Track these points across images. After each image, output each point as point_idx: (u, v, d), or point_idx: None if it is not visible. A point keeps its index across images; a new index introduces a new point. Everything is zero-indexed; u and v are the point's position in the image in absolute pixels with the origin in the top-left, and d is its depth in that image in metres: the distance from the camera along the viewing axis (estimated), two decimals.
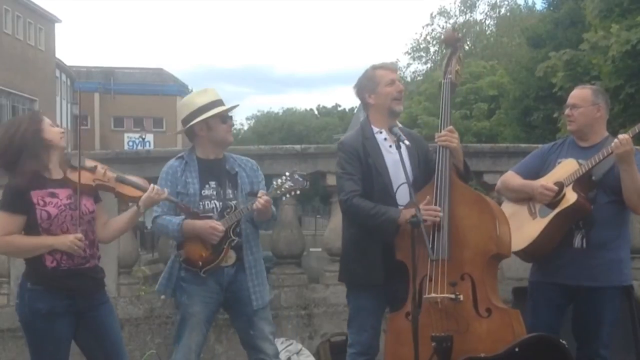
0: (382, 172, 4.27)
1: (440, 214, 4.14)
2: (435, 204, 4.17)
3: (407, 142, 4.18)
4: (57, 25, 44.90)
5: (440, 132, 4.31)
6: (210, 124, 4.37)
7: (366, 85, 4.41)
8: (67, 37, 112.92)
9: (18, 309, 4.05)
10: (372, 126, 4.39)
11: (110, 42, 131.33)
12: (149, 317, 6.08)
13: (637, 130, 4.16)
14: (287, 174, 4.38)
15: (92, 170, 4.06)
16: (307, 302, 6.22)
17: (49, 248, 3.90)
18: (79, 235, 3.91)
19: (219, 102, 4.44)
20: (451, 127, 4.31)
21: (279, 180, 4.36)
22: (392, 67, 4.53)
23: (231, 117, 4.51)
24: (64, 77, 48.07)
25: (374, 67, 4.45)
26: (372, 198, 4.25)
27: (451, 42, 4.60)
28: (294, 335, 6.03)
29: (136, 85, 54.54)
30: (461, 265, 4.16)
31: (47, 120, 4.01)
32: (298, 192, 4.39)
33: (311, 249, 18.38)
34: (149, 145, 45.30)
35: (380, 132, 4.36)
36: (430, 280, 4.14)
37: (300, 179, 4.35)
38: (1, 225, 3.89)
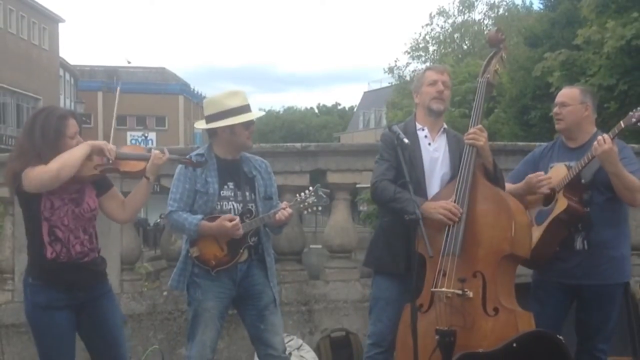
0: (417, 166, 4.35)
1: (461, 215, 4.18)
2: (456, 200, 4.22)
3: (405, 141, 4.19)
4: (60, 24, 44.95)
5: (470, 128, 4.37)
6: (234, 129, 4.35)
7: (415, 85, 4.63)
8: (70, 36, 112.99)
9: (24, 305, 4.08)
10: (416, 123, 4.52)
11: (113, 41, 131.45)
12: (152, 313, 6.07)
13: (616, 132, 4.16)
14: (311, 188, 4.40)
15: (90, 157, 4.02)
16: (308, 298, 6.21)
17: (90, 148, 3.90)
18: (113, 146, 3.93)
19: (247, 108, 4.40)
20: (480, 125, 4.37)
21: (303, 194, 4.37)
22: (439, 69, 4.61)
23: (254, 122, 4.47)
24: (67, 76, 48.09)
25: (425, 69, 4.74)
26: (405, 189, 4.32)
27: (495, 42, 4.66)
28: (295, 330, 6.03)
29: (139, 84, 54.55)
30: (474, 263, 4.19)
31: (70, 131, 3.96)
32: (320, 208, 4.42)
33: (311, 246, 18.35)
34: (152, 144, 45.26)
35: (422, 129, 4.48)
36: (444, 275, 4.17)
37: (324, 196, 4.38)
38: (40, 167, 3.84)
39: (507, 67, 27.38)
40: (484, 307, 4.13)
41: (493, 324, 4.11)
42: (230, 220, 4.21)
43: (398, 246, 4.34)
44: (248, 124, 4.38)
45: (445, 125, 4.56)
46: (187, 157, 4.30)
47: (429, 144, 4.46)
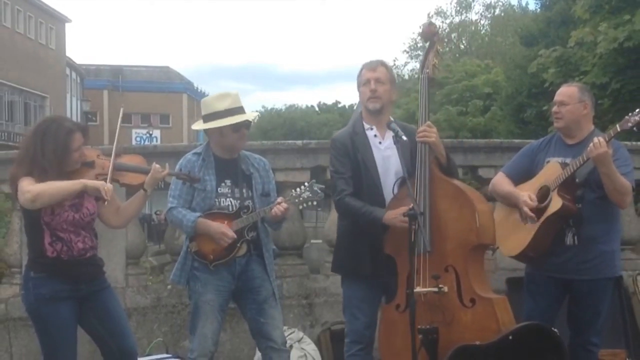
0: (371, 167, 4.26)
1: (424, 213, 4.10)
2: (416, 198, 4.12)
3: (404, 138, 4.13)
4: (67, 25, 44.90)
5: (419, 126, 4.26)
6: (223, 131, 4.34)
7: (357, 84, 4.43)
8: (77, 36, 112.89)
9: (24, 298, 4.11)
10: (364, 122, 4.39)
11: (119, 41, 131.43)
12: (156, 306, 6.08)
13: (612, 135, 4.14)
14: (307, 184, 4.38)
15: (92, 165, 4.04)
16: (309, 292, 6.21)
17: (82, 187, 3.87)
18: (110, 185, 3.89)
19: (236, 110, 4.37)
20: (429, 122, 4.26)
21: (298, 190, 4.35)
22: (371, 66, 4.37)
23: (249, 124, 4.43)
24: (74, 74, 48.05)
25: (362, 67, 4.45)
26: (361, 193, 4.25)
27: (428, 36, 4.47)
28: (296, 324, 6.03)
29: (143, 82, 54.52)
30: (444, 258, 4.14)
31: (75, 144, 3.96)
32: (315, 202, 4.39)
33: (312, 241, 18.32)
34: (156, 141, 45.23)
35: (371, 129, 4.36)
36: (417, 273, 4.10)
37: (319, 191, 4.35)
38: (30, 182, 3.85)
39: (503, 66, 27.34)
40: (461, 300, 4.11)
41: (472, 315, 4.08)
42: (225, 234, 4.21)
43: (362, 248, 4.28)
44: (237, 126, 4.34)
45: (391, 119, 4.38)
46: (185, 172, 4.29)
47: (380, 142, 4.33)
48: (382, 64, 4.43)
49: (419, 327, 4.03)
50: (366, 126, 4.36)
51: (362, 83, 4.35)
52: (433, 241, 4.12)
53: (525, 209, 4.30)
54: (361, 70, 4.42)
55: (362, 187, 4.26)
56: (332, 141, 4.46)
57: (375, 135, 4.34)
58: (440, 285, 4.06)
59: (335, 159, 4.34)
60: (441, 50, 4.46)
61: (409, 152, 4.24)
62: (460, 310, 4.10)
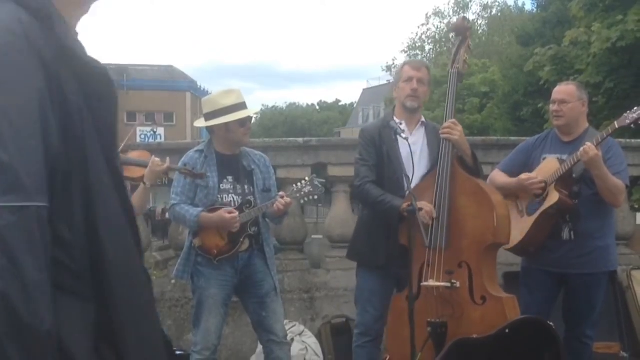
0: (394, 160, 4.28)
1: (434, 215, 4.10)
2: (436, 194, 4.14)
3: (404, 136, 4.15)
4: None
5: (445, 121, 4.28)
6: (229, 127, 4.34)
7: (394, 79, 4.52)
8: (82, 35, 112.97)
9: None
10: (395, 117, 4.40)
11: (123, 40, 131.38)
12: (160, 300, 6.07)
13: (610, 131, 4.14)
14: (307, 178, 4.39)
15: None
16: (309, 286, 6.21)
17: None
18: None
19: (241, 106, 4.38)
20: (454, 119, 4.27)
21: (300, 184, 4.36)
22: (416, 65, 4.47)
23: (251, 119, 4.46)
24: None
25: (404, 63, 4.56)
26: (383, 184, 4.27)
27: (461, 30, 4.46)
28: (297, 317, 6.03)
29: (148, 81, 54.49)
30: (459, 254, 4.13)
31: None
32: (316, 197, 4.39)
33: (313, 236, 18.35)
34: (160, 138, 45.19)
35: (401, 124, 4.35)
36: (429, 266, 4.12)
37: (320, 185, 4.36)
38: None
39: (500, 65, 27.21)
40: (472, 297, 4.10)
41: (482, 312, 4.07)
42: (229, 213, 4.21)
43: (378, 238, 4.30)
44: (243, 121, 4.35)
45: (423, 119, 4.47)
46: (188, 167, 4.28)
47: (407, 138, 4.30)
48: (426, 66, 4.52)
49: (429, 320, 4.04)
50: (396, 120, 4.36)
51: (404, 79, 4.37)
52: (450, 236, 4.12)
53: (530, 180, 4.32)
54: (403, 66, 4.49)
55: (384, 179, 4.28)
56: (361, 131, 4.52)
57: (404, 131, 4.34)
58: (453, 281, 4.06)
59: (362, 148, 4.39)
60: (471, 45, 4.46)
61: (435, 150, 4.29)
62: (471, 307, 4.08)
